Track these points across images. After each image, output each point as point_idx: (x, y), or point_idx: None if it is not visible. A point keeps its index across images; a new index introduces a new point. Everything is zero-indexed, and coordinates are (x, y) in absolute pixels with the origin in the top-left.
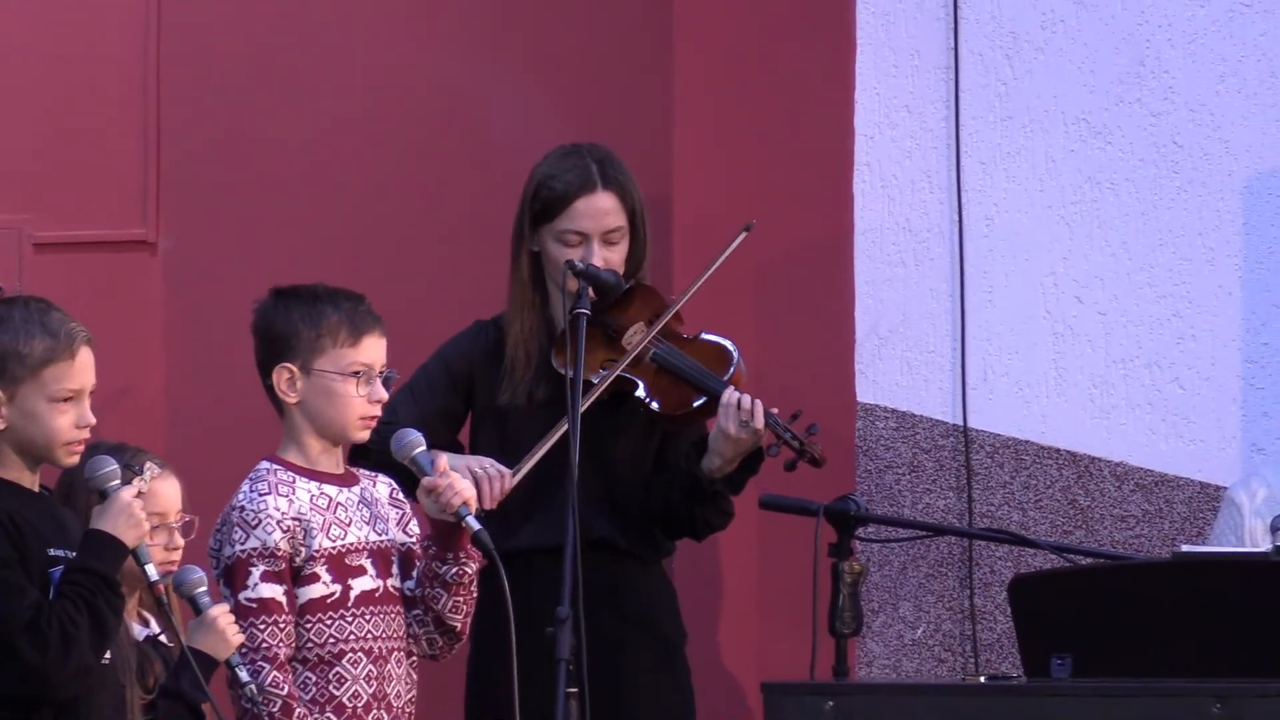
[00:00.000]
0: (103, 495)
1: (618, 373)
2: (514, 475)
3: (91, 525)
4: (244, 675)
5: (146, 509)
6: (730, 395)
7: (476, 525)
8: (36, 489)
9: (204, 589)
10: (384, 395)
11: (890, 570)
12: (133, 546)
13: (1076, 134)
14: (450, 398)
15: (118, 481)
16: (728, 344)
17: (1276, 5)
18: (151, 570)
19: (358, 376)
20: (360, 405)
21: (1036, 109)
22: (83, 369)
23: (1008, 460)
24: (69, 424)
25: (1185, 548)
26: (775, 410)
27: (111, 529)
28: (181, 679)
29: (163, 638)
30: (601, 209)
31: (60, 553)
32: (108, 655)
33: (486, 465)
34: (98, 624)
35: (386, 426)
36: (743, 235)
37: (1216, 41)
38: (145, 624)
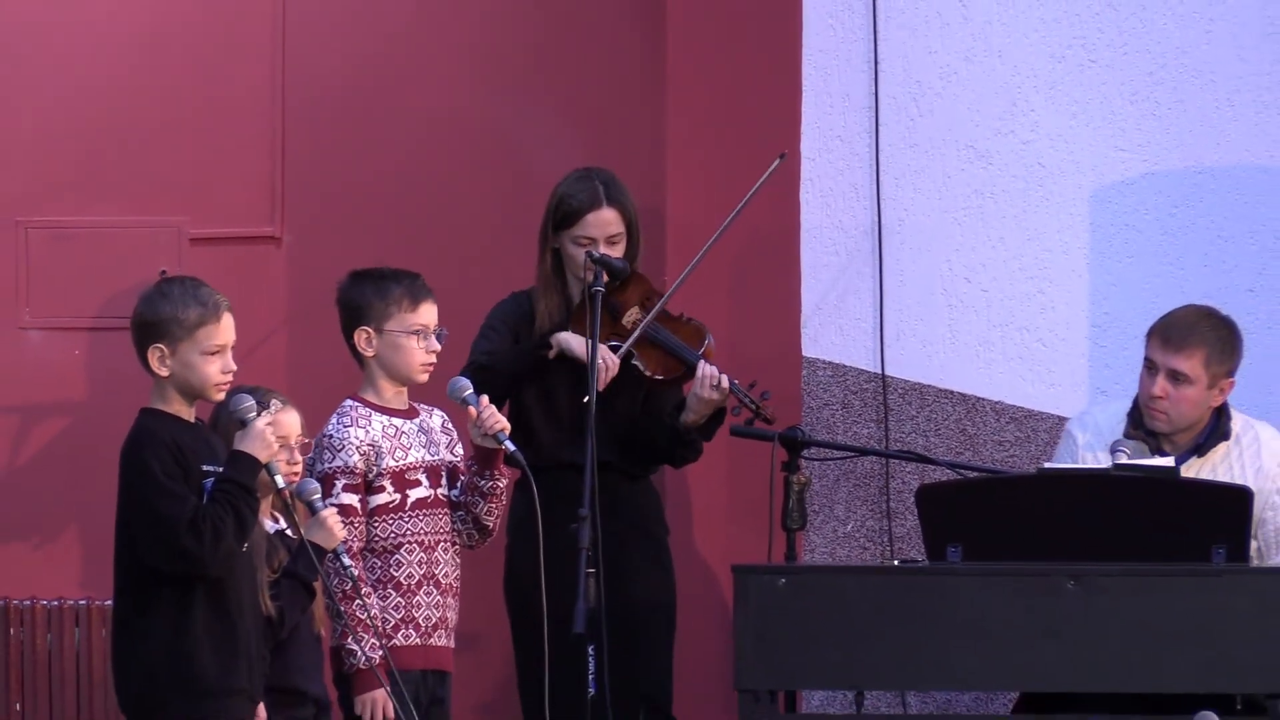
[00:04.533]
0: (243, 424)
1: (625, 348)
2: (618, 364)
3: (234, 446)
4: (346, 561)
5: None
6: (704, 368)
7: (512, 446)
8: (192, 420)
9: (318, 495)
10: (438, 347)
11: (827, 481)
12: (265, 463)
13: (966, 157)
14: (511, 339)
15: (254, 414)
16: (704, 327)
17: (1115, 60)
18: (279, 480)
19: (417, 334)
20: (420, 355)
21: (936, 138)
22: (226, 329)
23: (915, 400)
24: (217, 370)
25: (1047, 465)
26: (738, 381)
27: (249, 449)
28: (298, 563)
29: (288, 532)
30: (606, 220)
31: (211, 468)
32: (246, 545)
33: (604, 355)
34: (239, 521)
35: (485, 355)
36: (778, 162)
37: (1070, 88)
38: (275, 521)
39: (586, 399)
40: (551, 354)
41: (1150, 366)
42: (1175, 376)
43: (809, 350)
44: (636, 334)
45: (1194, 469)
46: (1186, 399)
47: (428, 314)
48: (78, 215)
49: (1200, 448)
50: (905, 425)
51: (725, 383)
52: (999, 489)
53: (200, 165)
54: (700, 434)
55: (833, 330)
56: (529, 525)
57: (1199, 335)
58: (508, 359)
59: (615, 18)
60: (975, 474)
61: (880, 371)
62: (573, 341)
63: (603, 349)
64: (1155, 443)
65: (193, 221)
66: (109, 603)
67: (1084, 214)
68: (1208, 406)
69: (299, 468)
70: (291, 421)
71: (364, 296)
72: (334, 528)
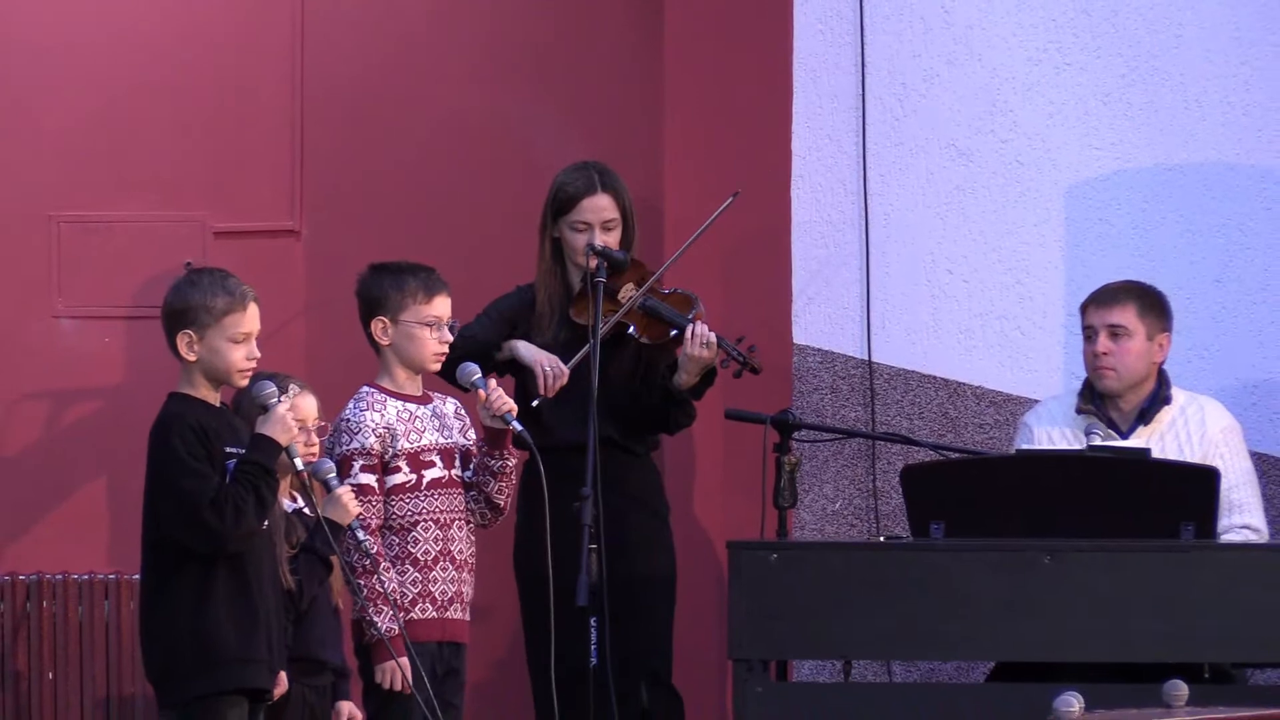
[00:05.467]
0: (264, 408)
1: (616, 319)
2: (567, 373)
3: (256, 430)
4: (361, 536)
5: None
6: (693, 328)
7: (519, 427)
8: (217, 404)
9: (334, 475)
10: (450, 338)
11: (817, 462)
12: (285, 445)
13: (947, 155)
14: (504, 330)
15: (276, 399)
16: (693, 294)
17: (1089, 64)
18: (299, 462)
19: (431, 325)
20: (433, 345)
21: (919, 137)
22: (251, 317)
23: (899, 384)
24: (242, 357)
25: (1025, 446)
26: (725, 338)
27: (270, 433)
28: (316, 539)
29: (305, 510)
30: (600, 206)
31: (233, 450)
32: (266, 522)
33: (554, 363)
34: (260, 501)
35: (465, 339)
36: (731, 200)
37: (1046, 89)
38: (293, 500)
39: (535, 403)
40: (500, 355)
41: (1089, 333)
42: (1115, 332)
43: (799, 337)
44: (628, 305)
45: (1143, 437)
46: (1130, 351)
47: (441, 306)
48: (106, 209)
49: (1145, 414)
50: (890, 409)
51: (713, 338)
52: (979, 469)
53: (223, 162)
54: (691, 394)
55: (822, 318)
56: (536, 503)
57: (1127, 292)
58: (471, 346)
59: (617, 22)
60: (957, 455)
61: (867, 358)
62: (520, 349)
63: (552, 358)
64: (1105, 413)
65: (215, 216)
66: (137, 577)
67: (1059, 209)
68: (1150, 362)
69: (316, 449)
70: (308, 405)
71: (381, 288)
72: (349, 505)
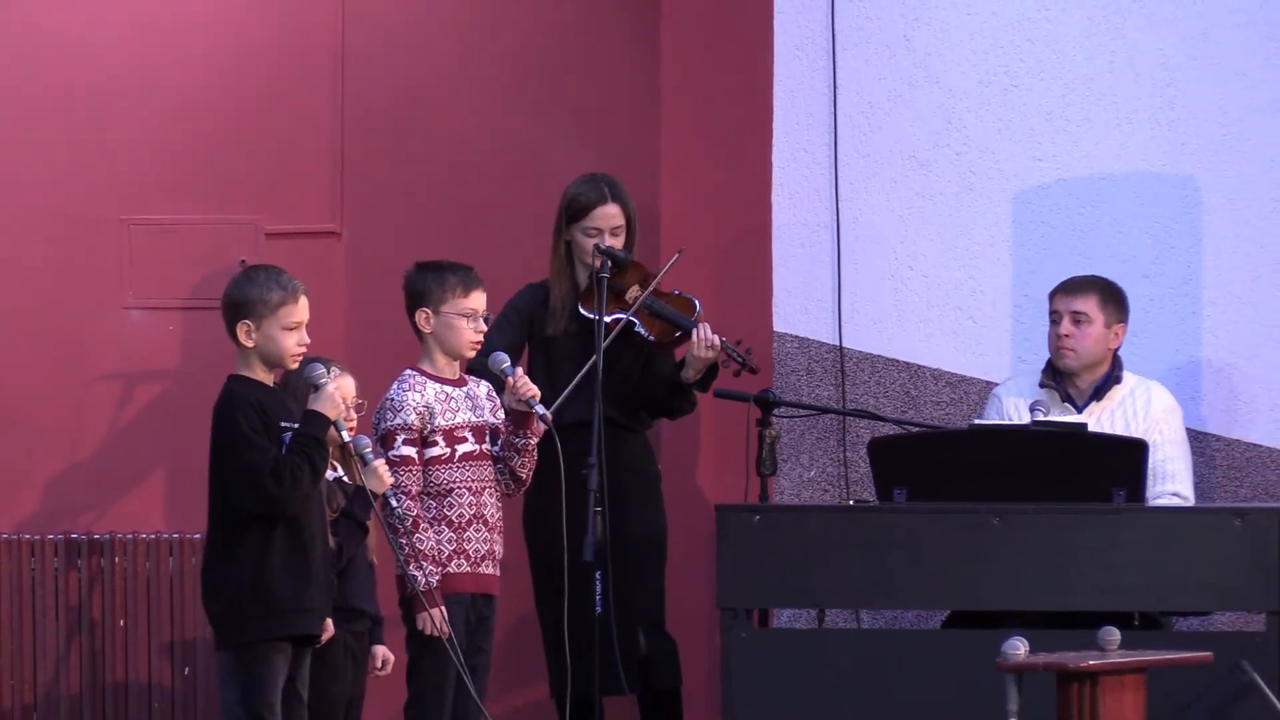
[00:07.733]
0: (316, 388)
1: (627, 318)
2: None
3: (308, 407)
4: (394, 503)
5: None
6: (700, 331)
7: (541, 410)
8: (272, 384)
9: (369, 449)
10: (484, 328)
11: (794, 435)
12: (334, 420)
13: (909, 165)
14: (520, 332)
15: (326, 379)
16: (693, 298)
17: (1033, 85)
18: (345, 435)
19: (468, 317)
20: (469, 334)
21: (885, 149)
22: (302, 309)
23: (867, 367)
24: (294, 343)
25: (977, 422)
26: (726, 339)
27: (321, 409)
28: (355, 505)
29: (345, 479)
30: (610, 214)
31: (287, 424)
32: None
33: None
34: (313, 469)
35: (486, 349)
36: (676, 257)
37: (996, 107)
38: (333, 470)
39: (532, 417)
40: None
41: (1055, 317)
42: (1077, 318)
43: (779, 326)
44: (636, 306)
45: (1096, 411)
46: (1089, 335)
47: (478, 300)
48: (171, 214)
49: (1099, 391)
50: (859, 388)
51: (717, 341)
52: (937, 441)
53: (273, 171)
54: (698, 387)
55: (799, 309)
56: (547, 473)
57: (1090, 283)
58: (479, 363)
59: (620, 49)
60: (917, 429)
61: (838, 344)
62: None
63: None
64: (1064, 389)
65: (267, 219)
66: (197, 536)
67: (1007, 213)
68: (1106, 347)
69: (354, 424)
70: (348, 385)
71: (425, 283)
72: (384, 476)
